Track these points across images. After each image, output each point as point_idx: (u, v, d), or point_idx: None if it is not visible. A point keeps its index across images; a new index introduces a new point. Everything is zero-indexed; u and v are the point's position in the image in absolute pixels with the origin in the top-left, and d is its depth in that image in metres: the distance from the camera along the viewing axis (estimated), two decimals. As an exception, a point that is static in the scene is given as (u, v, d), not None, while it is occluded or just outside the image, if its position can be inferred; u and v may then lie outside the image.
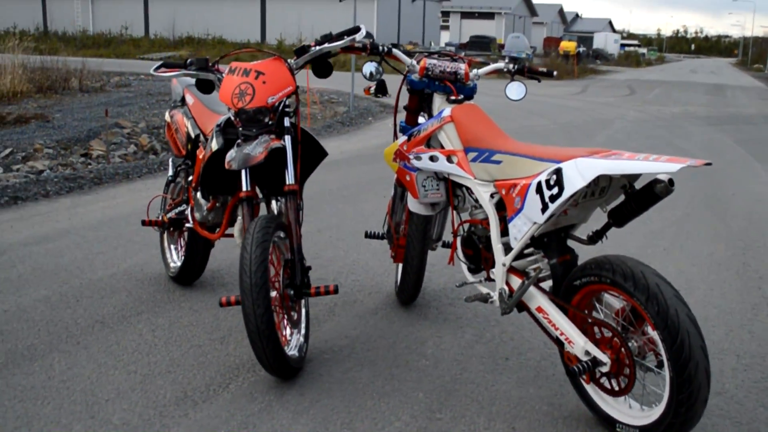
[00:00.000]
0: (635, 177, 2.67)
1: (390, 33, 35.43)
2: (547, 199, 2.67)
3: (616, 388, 2.75)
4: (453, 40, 42.82)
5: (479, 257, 3.27)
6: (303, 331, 3.25)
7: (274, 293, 3.04)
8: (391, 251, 3.95)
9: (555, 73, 3.47)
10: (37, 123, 10.64)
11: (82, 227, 5.43)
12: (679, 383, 2.46)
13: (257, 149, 3.02)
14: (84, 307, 3.85)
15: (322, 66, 3.39)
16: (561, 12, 69.53)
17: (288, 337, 3.20)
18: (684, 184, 7.68)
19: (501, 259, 3.04)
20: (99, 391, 2.97)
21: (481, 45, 35.39)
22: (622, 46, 61.94)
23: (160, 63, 3.53)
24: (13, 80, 13.69)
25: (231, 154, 3.07)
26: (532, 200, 2.74)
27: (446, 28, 47.30)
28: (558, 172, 2.62)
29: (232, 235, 3.57)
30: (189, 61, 3.45)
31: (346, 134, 11.37)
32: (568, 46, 38.42)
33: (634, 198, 2.68)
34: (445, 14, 46.25)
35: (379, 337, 3.58)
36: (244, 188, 3.22)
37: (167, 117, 4.08)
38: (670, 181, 2.57)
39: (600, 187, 2.71)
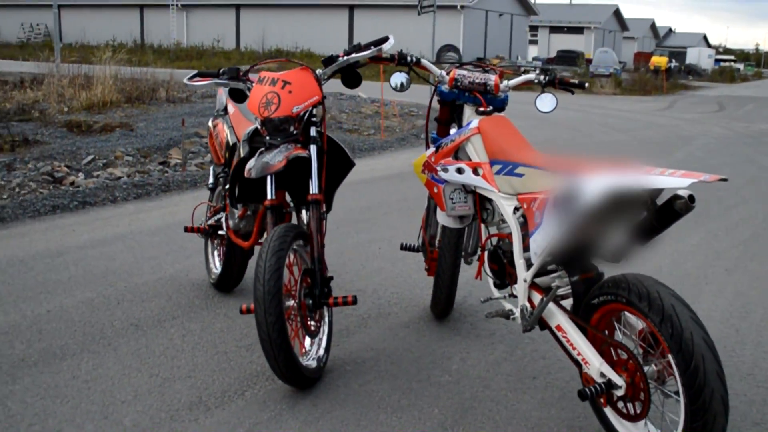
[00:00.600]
0: (656, 193, 2.55)
1: (476, 47, 35.28)
2: (563, 214, 2.58)
3: (632, 413, 2.62)
4: (541, 55, 42.34)
5: (504, 272, 3.19)
6: (324, 341, 3.24)
7: (291, 302, 3.04)
8: (425, 264, 3.90)
9: (587, 84, 3.35)
10: (122, 132, 11.04)
11: (139, 232, 5.58)
12: (693, 411, 2.33)
13: (277, 158, 3.04)
14: (123, 309, 3.94)
15: (352, 76, 3.38)
16: (653, 26, 67.69)
17: (306, 347, 3.19)
18: (754, 206, 7.33)
19: (522, 275, 2.95)
20: (118, 392, 3.03)
21: (569, 60, 34.83)
22: (717, 61, 59.74)
23: (195, 72, 3.60)
24: (104, 91, 14.27)
25: (251, 162, 3.10)
26: (550, 215, 2.65)
27: (534, 42, 46.83)
28: (573, 186, 2.52)
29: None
30: (221, 70, 3.51)
31: (419, 146, 11.35)
32: (660, 61, 37.35)
33: (655, 215, 2.55)
34: (533, 29, 45.78)
35: (405, 351, 3.53)
36: (268, 196, 3.24)
37: (210, 125, 4.16)
38: (690, 198, 2.44)
39: (619, 202, 2.60)
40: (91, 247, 5.14)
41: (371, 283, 4.51)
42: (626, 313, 2.62)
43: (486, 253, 3.29)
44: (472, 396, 3.11)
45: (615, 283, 2.59)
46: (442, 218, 3.42)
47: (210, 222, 4.12)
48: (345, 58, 3.29)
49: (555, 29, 48.74)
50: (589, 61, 35.28)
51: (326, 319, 3.28)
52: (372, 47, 3.26)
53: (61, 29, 37.47)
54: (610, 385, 2.59)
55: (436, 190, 3.34)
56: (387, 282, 4.55)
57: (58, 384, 3.09)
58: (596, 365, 2.63)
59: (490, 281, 3.29)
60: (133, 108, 14.05)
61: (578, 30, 47.82)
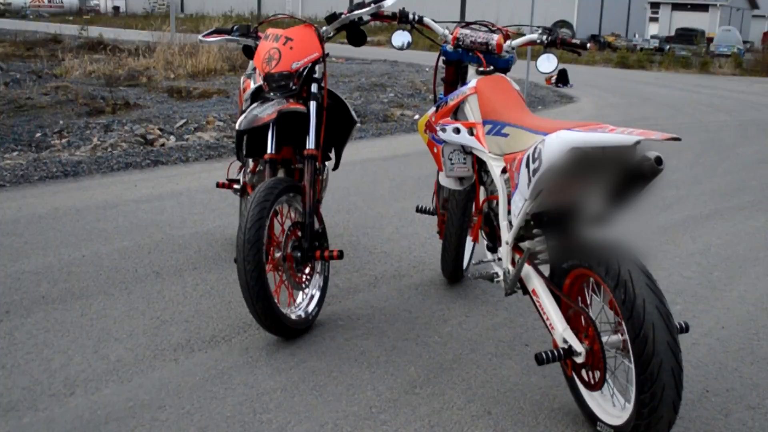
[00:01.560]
0: (621, 153, 2.44)
1: (591, 23, 34.17)
2: (531, 174, 2.52)
3: (592, 382, 2.55)
4: (660, 33, 40.44)
5: (495, 235, 3.14)
6: (315, 295, 3.29)
7: (279, 254, 3.10)
8: (437, 227, 3.88)
9: (589, 45, 3.22)
10: (218, 98, 11.43)
11: (196, 190, 5.80)
12: (641, 381, 2.24)
13: (267, 111, 3.10)
14: (151, 258, 4.13)
15: (356, 34, 3.39)
16: (788, 4, 63.19)
17: (298, 299, 3.26)
18: None
19: (505, 237, 2.90)
20: (116, 331, 3.20)
21: (687, 38, 33.13)
22: None
23: (212, 29, 3.70)
24: (208, 59, 14.75)
25: (243, 115, 3.17)
26: (523, 175, 2.60)
27: (655, 20, 44.76)
28: (540, 145, 2.46)
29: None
30: (234, 27, 3.59)
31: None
32: (790, 40, 34.95)
33: (623, 176, 2.45)
34: (655, 5, 43.71)
35: (404, 311, 3.54)
36: (268, 150, 3.31)
37: (241, 83, 4.26)
38: (657, 159, 2.33)
39: (580, 161, 2.50)
40: (146, 201, 5.38)
41: (398, 246, 4.52)
42: (592, 279, 2.54)
43: (481, 215, 3.25)
44: (455, 358, 3.09)
45: (583, 247, 2.52)
46: (442, 179, 3.39)
47: (234, 177, 4.24)
48: (346, 15, 3.30)
49: (677, 6, 46.30)
50: (710, 39, 33.47)
51: (320, 274, 3.33)
52: (372, 4, 3.25)
53: (183, 1, 38.85)
54: (570, 351, 2.53)
55: (435, 150, 3.31)
56: (414, 245, 4.56)
57: (66, 320, 3.28)
58: (560, 330, 2.57)
59: (484, 244, 3.25)
60: (236, 76, 14.44)
61: (702, 7, 45.26)
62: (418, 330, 3.34)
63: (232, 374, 2.86)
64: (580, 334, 2.54)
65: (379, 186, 6.16)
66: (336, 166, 3.80)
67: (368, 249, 4.45)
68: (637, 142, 2.15)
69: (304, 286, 3.26)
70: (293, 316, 3.16)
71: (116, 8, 41.26)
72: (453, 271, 3.80)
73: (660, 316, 2.23)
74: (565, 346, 2.54)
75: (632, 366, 2.29)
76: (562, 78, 17.43)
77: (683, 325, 2.59)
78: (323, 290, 3.34)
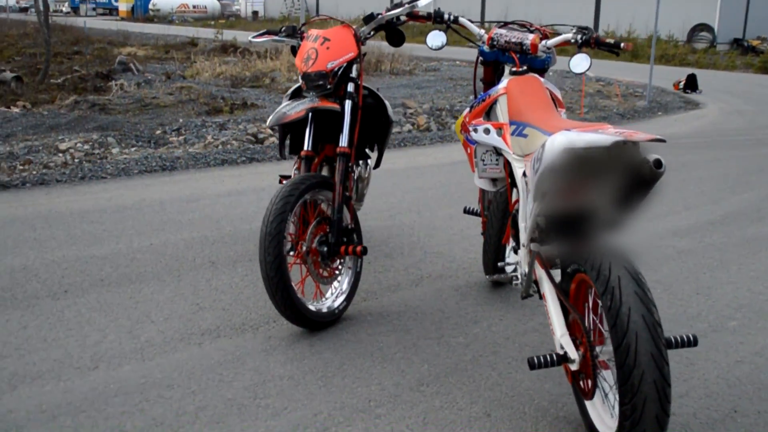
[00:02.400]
0: (626, 157, 2.36)
1: (734, 27, 32.35)
2: (534, 175, 2.48)
3: (586, 390, 2.47)
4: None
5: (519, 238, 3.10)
6: (343, 290, 3.36)
7: (305, 247, 3.19)
8: (481, 228, 3.86)
9: (623, 45, 3.09)
10: (333, 100, 11.70)
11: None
12: (622, 392, 2.16)
13: (295, 109, 3.19)
14: (212, 249, 4.34)
15: (394, 34, 3.43)
16: None
17: (326, 293, 3.34)
18: None
19: (522, 239, 2.86)
20: (155, 314, 3.39)
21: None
22: None
23: (263, 31, 3.84)
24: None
25: (275, 112, 3.28)
26: (530, 176, 2.56)
27: (812, 21, 41.69)
28: (543, 146, 2.42)
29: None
30: (282, 28, 3.71)
31: (619, 125, 10.82)
32: None
33: (627, 180, 2.37)
34: (811, 6, 40.78)
35: (437, 310, 3.54)
36: (305, 147, 3.41)
37: None
38: (656, 162, 2.24)
39: (587, 165, 2.43)
40: (226, 195, 5.63)
41: (457, 248, 4.51)
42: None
43: (510, 216, 3.21)
44: (473, 359, 3.07)
45: (584, 251, 2.45)
46: (476, 180, 3.37)
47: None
48: (382, 15, 3.34)
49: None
50: None
51: (351, 270, 3.39)
52: (406, 4, 3.28)
53: (318, 4, 39.92)
54: (565, 357, 2.46)
55: (469, 151, 3.30)
56: (472, 246, 4.53)
57: (114, 302, 3.51)
58: (558, 336, 2.51)
59: (511, 245, 3.21)
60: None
61: None
62: (445, 330, 3.33)
63: (246, 360, 2.97)
64: (577, 341, 2.47)
65: (454, 188, 6.14)
66: (377, 165, 3.85)
67: (425, 249, 4.46)
68: (617, 143, 2.09)
69: (330, 280, 3.33)
70: (318, 309, 3.24)
71: (255, 13, 43.00)
72: (493, 272, 3.75)
73: (645, 326, 2.14)
74: (562, 352, 2.48)
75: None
76: (691, 84, 16.63)
77: (690, 339, 2.47)
78: (353, 286, 3.40)
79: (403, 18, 3.36)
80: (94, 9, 46.86)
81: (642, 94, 15.81)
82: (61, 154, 6.89)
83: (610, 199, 2.47)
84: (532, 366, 2.46)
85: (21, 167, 6.33)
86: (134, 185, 5.90)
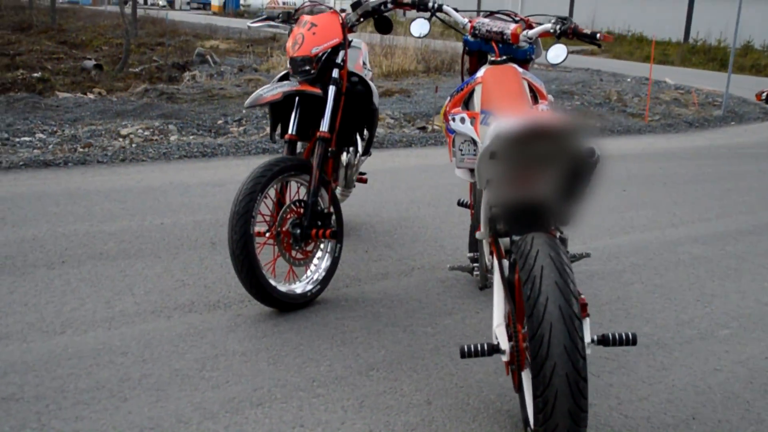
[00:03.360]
0: (560, 144, 2.31)
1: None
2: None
3: (515, 382, 2.42)
4: None
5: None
6: (318, 273, 3.39)
7: (282, 228, 3.23)
8: (471, 220, 3.81)
9: (599, 35, 3.00)
10: (399, 97, 11.77)
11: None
12: (535, 384, 2.11)
13: (273, 91, 3.23)
14: (217, 231, 4.43)
15: (382, 22, 3.44)
16: None
17: (300, 275, 3.37)
18: None
19: (482, 232, 2.83)
20: (137, 287, 3.50)
21: None
22: None
23: (264, 16, 3.90)
24: (404, 59, 15.14)
25: (252, 94, 3.33)
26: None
27: None
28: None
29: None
30: (278, 14, 3.76)
31: (686, 133, 10.51)
32: None
33: (564, 168, 2.32)
34: None
35: (414, 300, 3.52)
36: (289, 131, 3.45)
37: None
38: (590, 151, 2.19)
39: (527, 153, 2.38)
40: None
41: (451, 242, 4.46)
42: (529, 274, 2.41)
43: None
44: (435, 348, 3.05)
45: (519, 241, 2.41)
46: (456, 170, 3.34)
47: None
48: (368, 2, 3.35)
49: None
50: None
51: (328, 254, 3.41)
52: (390, -9, 3.28)
53: None
54: (496, 348, 2.42)
55: (448, 141, 3.28)
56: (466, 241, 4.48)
57: (104, 274, 3.64)
58: (494, 326, 2.47)
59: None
60: (428, 77, 14.71)
61: None
62: (416, 319, 3.31)
63: (207, 335, 3.03)
64: (511, 332, 2.43)
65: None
66: (366, 152, 3.85)
67: (427, 242, 4.44)
68: (525, 127, 2.06)
69: (305, 263, 3.36)
70: (289, 291, 3.27)
71: (343, 10, 43.48)
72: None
73: (561, 318, 2.08)
74: (495, 343, 2.44)
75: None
76: (770, 95, 15.92)
77: (629, 337, 2.40)
78: (329, 271, 3.42)
79: (389, 5, 3.36)
80: (188, 4, 48.38)
81: (720, 103, 15.24)
82: (121, 139, 7.15)
83: (554, 189, 2.42)
84: (463, 354, 2.43)
85: (81, 150, 6.60)
86: (168, 169, 6.08)
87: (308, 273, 3.41)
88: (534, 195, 2.54)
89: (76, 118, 8.05)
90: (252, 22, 3.88)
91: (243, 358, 2.86)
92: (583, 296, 2.54)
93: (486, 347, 2.42)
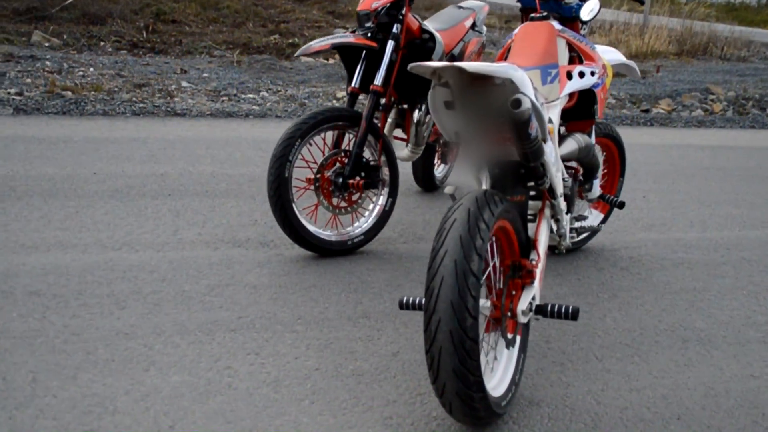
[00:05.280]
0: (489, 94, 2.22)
1: None
2: None
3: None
4: None
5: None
6: (364, 224, 3.47)
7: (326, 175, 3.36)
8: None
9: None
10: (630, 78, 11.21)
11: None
12: (425, 339, 2.07)
13: (323, 42, 3.33)
14: (237, 180, 4.42)
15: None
16: None
17: (346, 223, 3.49)
18: None
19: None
20: (229, 222, 3.81)
21: None
22: None
23: None
24: (655, 40, 14.28)
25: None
26: None
27: None
28: None
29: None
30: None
31: None
32: None
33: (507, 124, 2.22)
34: None
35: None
36: (352, 84, 3.54)
37: None
38: (514, 102, 2.08)
39: (482, 103, 2.28)
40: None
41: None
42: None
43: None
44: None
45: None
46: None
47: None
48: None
49: None
50: None
51: (378, 206, 3.48)
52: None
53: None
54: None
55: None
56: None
57: (221, 208, 4.00)
58: None
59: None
60: (678, 60, 13.75)
61: None
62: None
63: (235, 266, 3.26)
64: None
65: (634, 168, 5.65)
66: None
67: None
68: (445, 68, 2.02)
69: (346, 212, 3.45)
70: (328, 237, 3.40)
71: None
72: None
73: (454, 273, 1.99)
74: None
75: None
76: None
77: (570, 312, 2.25)
78: (376, 224, 3.49)
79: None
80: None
81: None
82: (335, 101, 7.59)
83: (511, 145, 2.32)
84: (401, 305, 2.40)
85: (294, 106, 7.10)
86: (217, 124, 6.12)
87: (354, 223, 3.50)
88: (506, 153, 2.43)
89: (303, 80, 8.59)
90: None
91: (250, 290, 3.04)
92: (532, 260, 2.40)
93: (420, 302, 2.37)
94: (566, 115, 3.07)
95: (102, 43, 10.20)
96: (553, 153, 2.56)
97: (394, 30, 3.43)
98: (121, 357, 2.48)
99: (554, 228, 2.76)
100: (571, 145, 2.88)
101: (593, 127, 3.24)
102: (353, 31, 3.49)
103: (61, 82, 7.13)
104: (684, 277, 3.54)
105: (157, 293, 2.95)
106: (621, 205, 3.66)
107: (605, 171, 3.81)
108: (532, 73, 2.57)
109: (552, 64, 2.74)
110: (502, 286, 2.28)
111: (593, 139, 3.31)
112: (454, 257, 2.00)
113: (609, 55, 3.30)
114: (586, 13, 2.87)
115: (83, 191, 4.12)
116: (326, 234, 3.41)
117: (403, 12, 3.46)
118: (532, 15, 2.97)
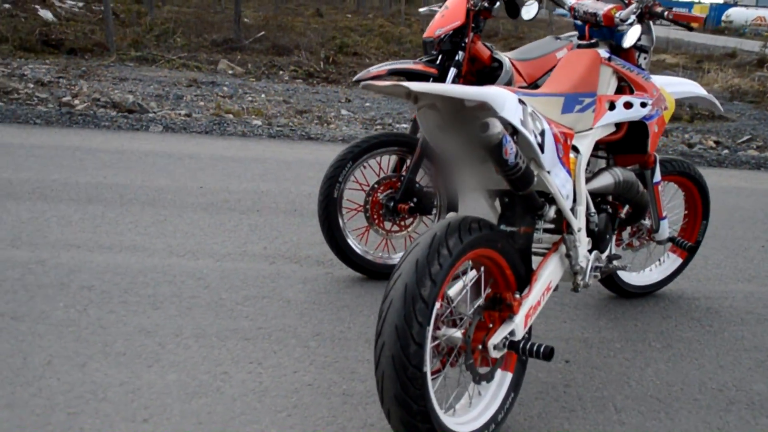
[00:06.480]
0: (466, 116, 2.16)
1: None
2: None
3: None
4: None
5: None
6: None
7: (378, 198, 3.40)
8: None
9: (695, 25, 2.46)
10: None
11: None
12: (376, 362, 2.04)
13: (381, 67, 3.36)
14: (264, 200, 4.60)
15: (510, 5, 3.34)
16: None
17: (394, 246, 3.53)
18: None
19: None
20: (280, 238, 3.95)
21: None
22: None
23: None
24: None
25: (366, 69, 3.49)
26: None
27: None
28: None
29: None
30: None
31: None
32: None
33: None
34: None
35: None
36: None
37: None
38: (482, 126, 2.03)
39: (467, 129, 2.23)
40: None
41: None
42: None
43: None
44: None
45: None
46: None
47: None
48: (486, -16, 3.28)
49: None
50: None
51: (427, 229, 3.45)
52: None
53: None
54: None
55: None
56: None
57: (269, 224, 4.17)
58: None
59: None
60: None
61: None
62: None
63: (262, 281, 3.35)
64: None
65: None
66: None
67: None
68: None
69: (396, 237, 3.45)
70: (375, 259, 3.42)
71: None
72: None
73: (403, 296, 1.95)
74: None
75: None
76: None
77: (542, 351, 2.14)
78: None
79: (507, -14, 3.25)
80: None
81: None
82: None
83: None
84: None
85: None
86: (283, 148, 6.22)
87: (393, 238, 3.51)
88: (496, 181, 2.35)
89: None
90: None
91: (282, 304, 3.11)
92: (519, 295, 2.29)
93: None
94: (614, 148, 2.91)
95: (281, 72, 10.87)
96: (567, 184, 2.44)
97: (458, 57, 3.42)
98: (133, 352, 2.64)
99: (567, 264, 2.62)
100: (606, 179, 2.71)
101: (656, 162, 3.05)
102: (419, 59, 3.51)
103: (229, 106, 7.66)
104: (763, 335, 3.20)
105: (195, 298, 3.11)
106: (692, 249, 3.40)
107: (685, 212, 3.54)
108: (550, 100, 2.47)
109: (586, 92, 2.62)
110: (472, 316, 2.19)
111: (658, 176, 3.11)
112: (406, 281, 1.96)
113: (678, 87, 3.08)
114: (627, 41, 2.72)
115: (182, 202, 4.42)
116: (377, 256, 3.44)
117: (466, 40, 3.44)
118: (579, 42, 2.86)
